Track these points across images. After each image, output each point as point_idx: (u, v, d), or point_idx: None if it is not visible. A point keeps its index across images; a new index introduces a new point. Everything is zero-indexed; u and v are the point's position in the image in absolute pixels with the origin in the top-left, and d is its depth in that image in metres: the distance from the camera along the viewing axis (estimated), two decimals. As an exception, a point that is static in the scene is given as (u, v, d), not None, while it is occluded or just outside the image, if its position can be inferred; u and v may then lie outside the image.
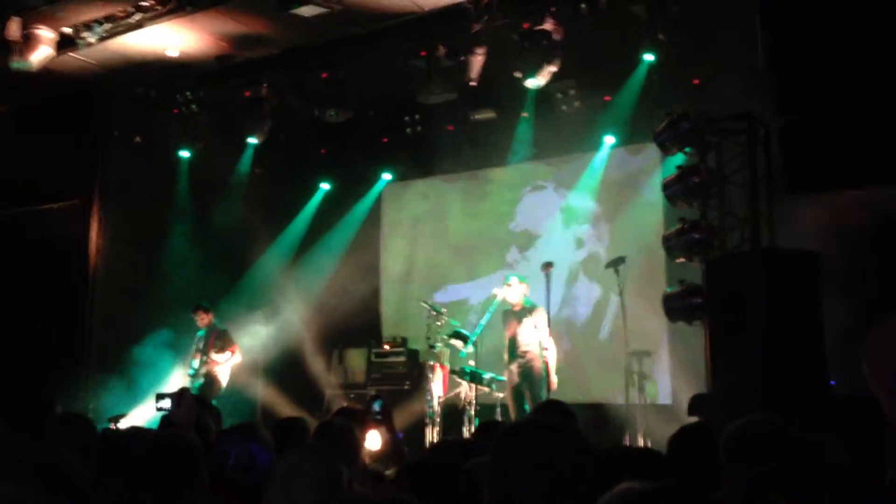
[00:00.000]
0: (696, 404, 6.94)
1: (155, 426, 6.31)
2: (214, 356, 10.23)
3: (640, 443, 8.41)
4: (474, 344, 8.98)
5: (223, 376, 10.35)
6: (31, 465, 1.99)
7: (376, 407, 4.26)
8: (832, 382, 6.46)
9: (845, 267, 7.15)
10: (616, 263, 8.90)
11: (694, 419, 6.69)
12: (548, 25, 8.49)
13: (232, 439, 3.57)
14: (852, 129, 4.26)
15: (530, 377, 8.80)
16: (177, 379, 10.48)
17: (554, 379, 8.60)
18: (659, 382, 9.48)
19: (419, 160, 11.58)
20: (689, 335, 8.33)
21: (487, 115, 10.34)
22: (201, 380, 10.22)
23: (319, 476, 2.80)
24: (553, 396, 8.39)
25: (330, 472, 2.83)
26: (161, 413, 5.08)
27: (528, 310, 8.96)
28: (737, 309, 6.57)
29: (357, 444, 3.85)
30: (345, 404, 10.42)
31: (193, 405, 3.80)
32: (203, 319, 10.44)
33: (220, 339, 10.36)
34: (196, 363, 10.29)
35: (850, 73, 4.19)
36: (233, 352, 10.39)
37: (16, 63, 8.80)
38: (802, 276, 6.48)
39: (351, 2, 8.57)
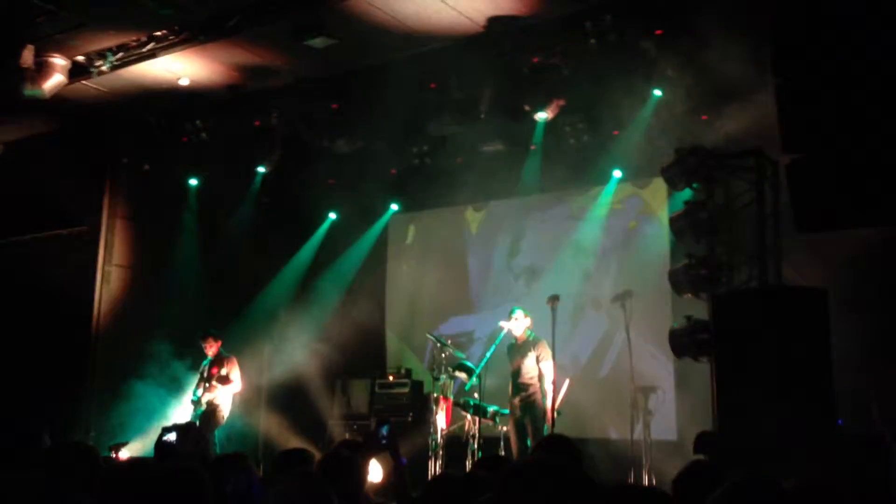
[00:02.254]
0: (701, 442, 6.87)
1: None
2: (215, 382, 10.12)
3: (646, 480, 8.33)
4: (479, 376, 8.93)
5: (226, 405, 10.26)
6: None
7: (384, 431, 4.20)
8: (839, 421, 6.41)
9: (854, 305, 7.12)
10: (622, 298, 8.87)
11: (700, 457, 6.64)
12: (557, 60, 8.55)
13: (228, 469, 3.55)
14: (862, 167, 4.26)
15: (532, 411, 8.74)
16: (180, 406, 10.43)
17: (550, 413, 8.46)
18: (665, 419, 9.39)
19: (427, 191, 11.60)
20: (696, 371, 8.27)
21: (496, 147, 10.37)
22: (203, 408, 10.13)
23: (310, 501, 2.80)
24: (557, 431, 8.33)
25: (320, 499, 2.82)
26: (159, 441, 5.02)
27: (531, 343, 8.92)
28: (744, 346, 6.53)
29: (361, 477, 3.82)
30: (347, 435, 10.36)
31: (199, 438, 3.78)
32: (211, 347, 10.35)
33: (224, 367, 10.27)
34: (199, 391, 10.21)
35: (861, 112, 4.19)
36: (232, 380, 10.26)
37: (28, 90, 8.87)
38: (810, 313, 6.44)
39: (362, 34, 8.65)
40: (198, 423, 9.86)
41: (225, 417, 10.21)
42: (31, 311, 10.98)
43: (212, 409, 10.08)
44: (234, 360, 10.37)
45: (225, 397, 10.23)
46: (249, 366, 11.09)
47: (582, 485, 2.18)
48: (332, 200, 12.41)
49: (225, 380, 10.16)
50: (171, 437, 4.17)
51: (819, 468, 2.90)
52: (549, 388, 8.54)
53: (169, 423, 9.23)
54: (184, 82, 9.92)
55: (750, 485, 2.20)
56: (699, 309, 7.92)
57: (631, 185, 10.48)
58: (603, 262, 10.55)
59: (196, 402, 10.15)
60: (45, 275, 11.14)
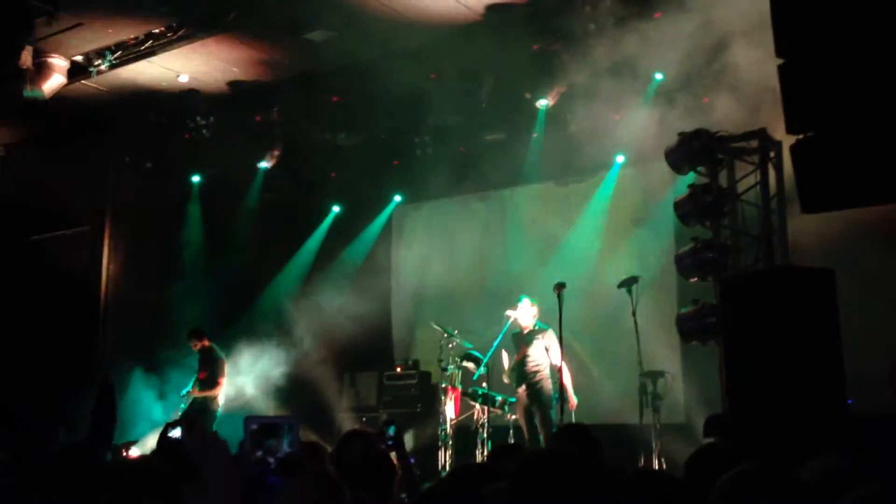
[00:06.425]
0: (711, 426, 6.86)
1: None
2: (196, 386, 10.05)
3: (656, 463, 8.34)
4: (486, 366, 8.93)
5: (217, 399, 10.18)
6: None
7: (390, 432, 4.20)
8: (850, 401, 6.38)
9: (861, 284, 7.09)
10: (629, 283, 8.84)
11: (710, 440, 6.63)
12: (557, 46, 8.52)
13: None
14: (867, 146, 4.23)
15: (539, 398, 8.74)
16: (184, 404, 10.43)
17: (574, 399, 8.57)
18: (672, 402, 9.38)
19: (430, 182, 11.57)
20: (704, 355, 8.26)
21: (498, 135, 10.34)
22: (186, 403, 10.08)
23: (323, 499, 2.81)
24: (568, 416, 8.37)
25: (332, 495, 2.83)
26: (163, 437, 4.98)
27: (537, 332, 8.91)
28: (752, 328, 6.50)
29: (394, 474, 3.79)
30: (356, 427, 10.36)
31: (205, 432, 3.78)
32: (196, 346, 10.28)
33: (207, 366, 10.20)
34: (189, 388, 10.21)
35: (866, 91, 4.16)
36: (213, 384, 10.15)
37: (28, 92, 8.87)
38: (818, 293, 6.41)
39: (361, 26, 8.62)
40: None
41: (217, 410, 10.13)
42: (37, 311, 11.01)
43: (202, 406, 9.99)
44: (219, 361, 10.27)
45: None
46: (257, 360, 11.10)
47: (598, 472, 2.17)
48: (335, 193, 12.40)
49: (204, 384, 10.09)
50: (177, 432, 4.17)
51: (828, 449, 2.88)
52: (562, 375, 8.56)
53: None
54: (183, 79, 9.91)
55: (754, 474, 2.13)
56: (706, 292, 7.90)
57: (634, 170, 10.45)
58: (608, 248, 10.52)
59: (184, 398, 10.13)
60: (50, 275, 11.16)
